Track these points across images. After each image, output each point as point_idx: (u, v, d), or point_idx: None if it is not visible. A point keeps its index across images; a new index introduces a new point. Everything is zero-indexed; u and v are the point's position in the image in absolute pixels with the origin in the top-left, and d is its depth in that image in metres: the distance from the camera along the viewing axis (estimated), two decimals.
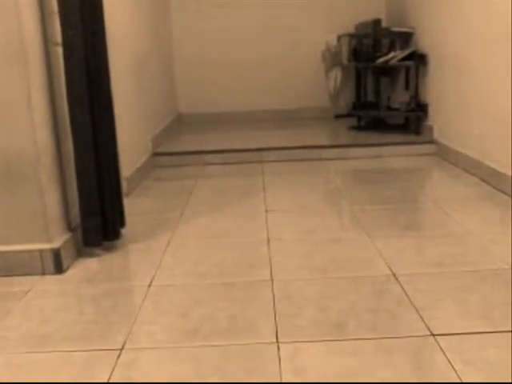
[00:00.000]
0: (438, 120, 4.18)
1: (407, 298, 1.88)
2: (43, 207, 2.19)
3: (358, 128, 4.90)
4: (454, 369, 1.47)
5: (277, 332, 1.70)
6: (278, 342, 1.65)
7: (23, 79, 2.08)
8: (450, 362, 1.50)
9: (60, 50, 2.24)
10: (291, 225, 2.71)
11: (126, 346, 1.66)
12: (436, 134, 4.18)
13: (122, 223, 2.58)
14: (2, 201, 2.18)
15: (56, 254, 2.22)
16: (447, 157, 3.92)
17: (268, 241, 2.49)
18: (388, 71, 5.09)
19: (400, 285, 1.98)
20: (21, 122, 2.11)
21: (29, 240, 2.21)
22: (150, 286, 2.08)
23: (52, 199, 2.24)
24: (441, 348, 1.57)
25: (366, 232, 2.55)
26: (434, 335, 1.64)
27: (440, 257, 2.23)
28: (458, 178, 3.49)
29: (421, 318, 1.75)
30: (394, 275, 2.07)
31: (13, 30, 2.04)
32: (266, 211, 2.93)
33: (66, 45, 2.21)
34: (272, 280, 2.08)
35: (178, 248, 2.46)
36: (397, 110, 4.73)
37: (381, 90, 5.18)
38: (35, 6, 2.15)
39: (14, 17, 2.03)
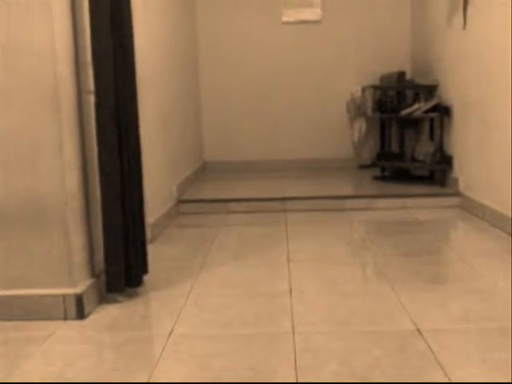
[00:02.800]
0: (463, 172, 4.16)
1: (432, 355, 1.84)
2: (69, 252, 2.22)
3: (383, 178, 4.90)
4: None
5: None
6: None
7: (55, 124, 2.15)
8: None
9: (92, 98, 2.31)
10: (314, 275, 2.69)
11: None
12: (461, 187, 4.15)
13: (145, 270, 2.59)
14: (29, 243, 2.21)
15: (79, 300, 2.23)
16: (472, 209, 3.88)
17: (290, 291, 2.48)
18: (412, 123, 5.12)
19: (425, 340, 1.94)
20: (51, 165, 2.17)
21: (53, 284, 2.23)
22: (170, 334, 2.07)
23: (78, 244, 2.27)
24: None
25: (390, 285, 2.51)
26: None
27: (465, 312, 2.18)
28: (484, 231, 3.44)
29: (446, 375, 1.70)
30: (419, 330, 2.03)
31: (49, 78, 2.13)
32: (289, 261, 2.92)
33: (97, 93, 2.28)
34: (293, 332, 2.05)
35: (199, 297, 2.46)
36: (421, 161, 4.73)
37: (405, 141, 5.19)
38: (70, 56, 2.24)
39: (50, 66, 2.12)
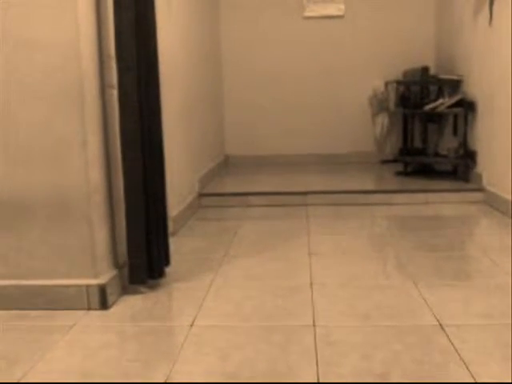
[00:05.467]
0: (487, 167, 4.11)
1: (454, 350, 1.82)
2: (92, 243, 2.24)
3: (405, 174, 4.86)
4: None
5: (318, 379, 1.67)
6: None
7: (79, 119, 2.17)
8: None
9: (115, 93, 2.33)
10: (335, 269, 2.69)
11: None
12: (485, 182, 4.11)
13: (167, 262, 2.61)
14: (53, 235, 2.25)
15: (102, 290, 2.25)
16: (496, 205, 3.84)
17: (311, 285, 2.48)
18: (436, 118, 5.07)
19: (447, 336, 1.93)
20: (75, 160, 2.19)
21: (76, 275, 2.26)
22: (191, 325, 2.09)
23: (101, 236, 2.30)
24: None
25: (412, 280, 2.50)
26: None
27: (488, 308, 2.16)
28: (507, 226, 3.40)
29: (468, 371, 1.69)
30: (441, 326, 2.01)
31: (73, 73, 2.15)
32: (310, 254, 2.92)
33: (121, 88, 2.30)
34: (314, 325, 2.05)
35: (220, 289, 2.47)
36: (445, 156, 4.68)
37: (428, 137, 5.15)
38: (94, 51, 2.26)
39: (74, 61, 2.14)
